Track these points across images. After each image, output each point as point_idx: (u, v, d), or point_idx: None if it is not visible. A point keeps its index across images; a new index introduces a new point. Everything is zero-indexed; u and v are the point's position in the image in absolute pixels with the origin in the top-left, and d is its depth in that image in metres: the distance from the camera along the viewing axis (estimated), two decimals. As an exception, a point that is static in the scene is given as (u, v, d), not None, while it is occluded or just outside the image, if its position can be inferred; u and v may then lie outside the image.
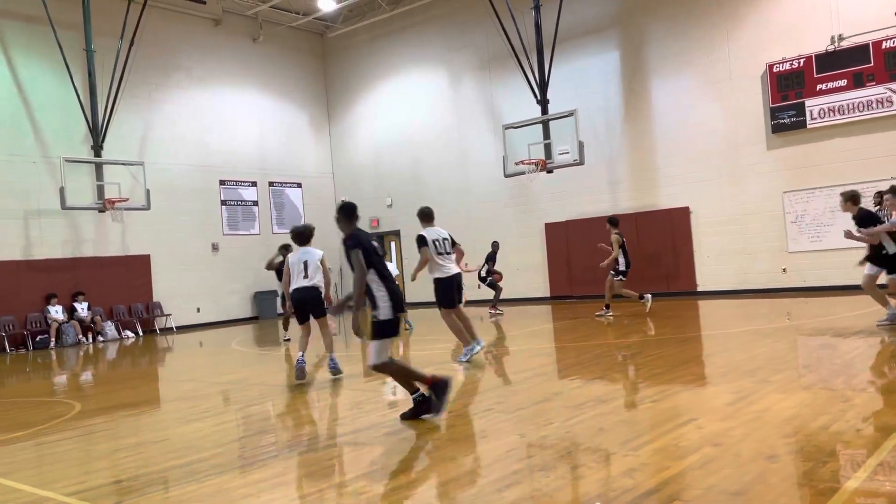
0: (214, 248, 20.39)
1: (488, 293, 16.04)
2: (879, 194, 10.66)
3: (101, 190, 17.20)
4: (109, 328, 17.53)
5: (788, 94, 15.14)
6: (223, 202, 20.76)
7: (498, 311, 15.43)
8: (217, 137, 20.62)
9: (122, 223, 17.78)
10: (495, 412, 5.76)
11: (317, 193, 23.03)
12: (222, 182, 20.71)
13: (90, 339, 17.02)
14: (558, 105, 16.70)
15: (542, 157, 16.56)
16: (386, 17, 21.58)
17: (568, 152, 16.19)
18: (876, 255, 8.67)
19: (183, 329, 18.92)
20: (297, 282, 8.26)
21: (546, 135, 16.64)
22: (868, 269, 8.79)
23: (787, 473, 3.71)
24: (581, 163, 15.99)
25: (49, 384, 10.68)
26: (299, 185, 22.68)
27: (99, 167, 17.31)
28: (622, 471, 3.91)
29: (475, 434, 5.16)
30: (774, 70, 15.29)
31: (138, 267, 18.54)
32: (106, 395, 8.85)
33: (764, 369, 6.59)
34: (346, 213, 6.06)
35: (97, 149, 17.44)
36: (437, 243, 8.51)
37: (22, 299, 16.39)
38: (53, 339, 16.44)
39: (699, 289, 16.50)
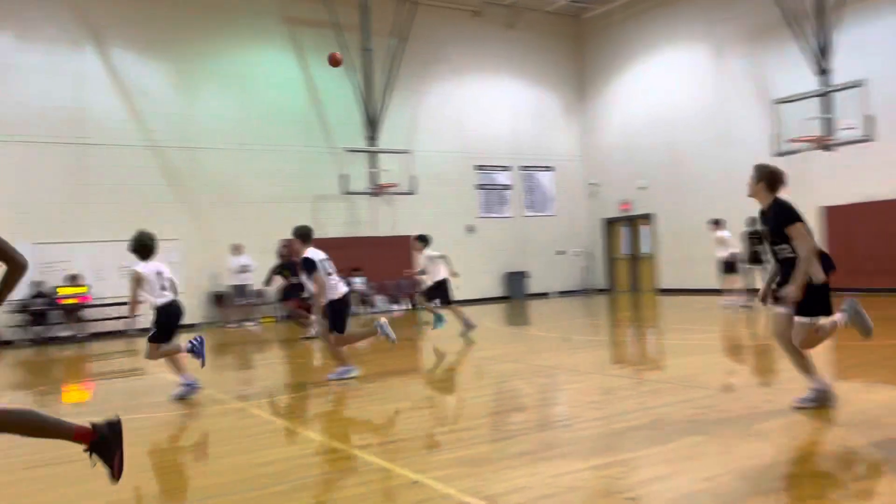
0: (470, 229, 21.50)
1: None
2: None
3: (373, 176, 19.06)
4: (381, 301, 19.40)
5: None
6: (479, 186, 21.78)
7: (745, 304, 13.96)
8: (473, 125, 21.64)
9: (391, 206, 19.54)
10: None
11: (568, 177, 23.19)
12: (478, 167, 21.72)
13: (364, 311, 19.00)
14: (841, 76, 14.94)
15: (821, 133, 14.98)
16: (643, -7, 20.92)
17: (853, 127, 14.45)
18: None
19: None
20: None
21: (826, 109, 15.01)
22: None
23: None
24: (871, 139, 14.19)
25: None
26: (549, 169, 22.99)
27: (373, 156, 19.17)
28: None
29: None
30: None
31: (404, 246, 20.22)
32: (379, 360, 9.88)
33: None
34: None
35: (372, 139, 19.31)
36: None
37: (310, 272, 18.78)
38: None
39: None
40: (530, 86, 22.85)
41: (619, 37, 22.27)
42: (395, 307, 19.67)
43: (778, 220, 5.10)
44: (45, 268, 15.46)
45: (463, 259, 21.04)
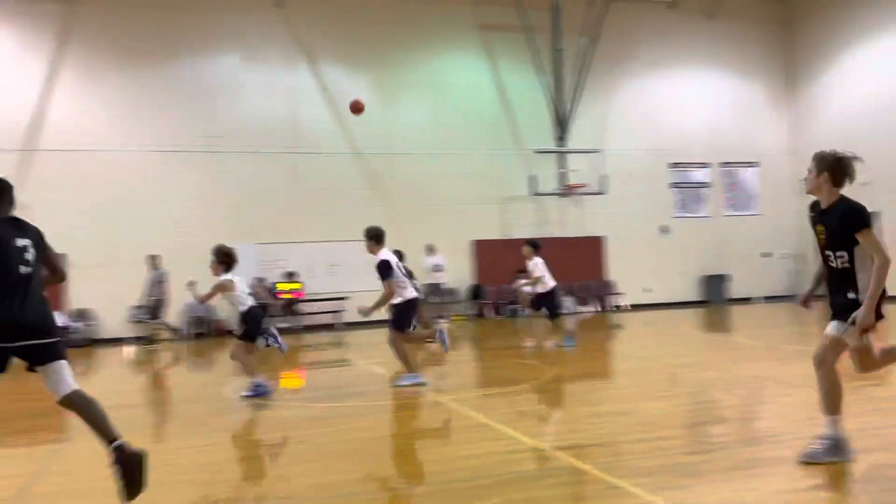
0: (664, 230, 20.68)
1: None
2: None
3: (562, 177, 18.98)
4: (568, 303, 19.26)
5: None
6: (673, 185, 20.89)
7: None
8: (667, 121, 20.79)
9: (580, 207, 19.34)
10: None
11: (774, 173, 21.52)
12: (673, 165, 20.84)
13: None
14: None
15: None
16: (865, -32, 18.88)
17: None
18: None
19: (635, 308, 19.73)
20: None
21: None
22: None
23: None
24: None
25: (522, 349, 12.30)
26: (753, 165, 21.48)
27: (562, 156, 19.10)
28: None
29: None
30: None
31: (594, 247, 19.95)
32: (572, 362, 9.84)
33: None
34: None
35: (561, 139, 19.25)
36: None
37: (499, 273, 19.09)
38: (522, 309, 18.79)
39: None
40: (731, 77, 21.52)
41: (835, 19, 20.28)
42: (584, 309, 19.44)
43: (846, 223, 4.25)
44: (265, 265, 17.17)
45: (656, 261, 20.40)
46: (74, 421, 7.10)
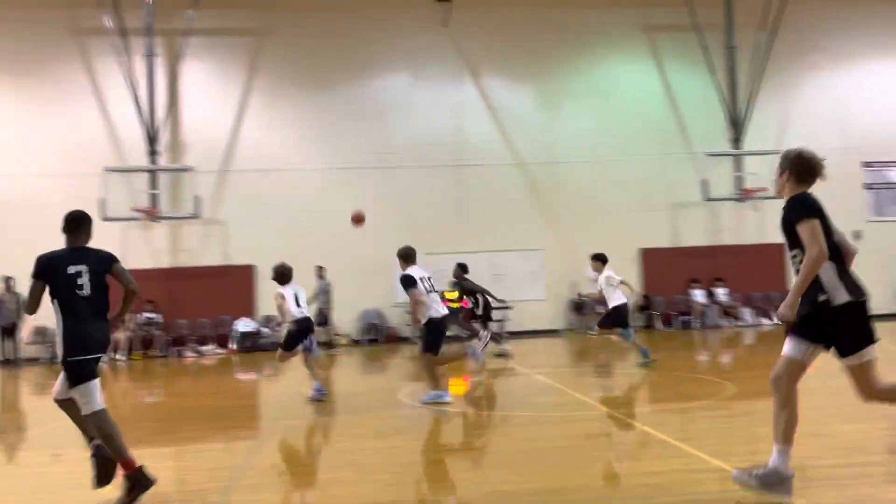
0: (856, 235, 18.83)
1: None
2: None
3: (738, 181, 17.89)
4: (747, 314, 18.10)
5: None
6: (867, 186, 19.01)
7: None
8: (859, 116, 18.96)
9: (759, 211, 18.12)
10: None
11: None
12: (866, 164, 18.98)
13: (730, 323, 17.91)
14: None
15: None
16: None
17: None
18: None
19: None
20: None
21: None
22: None
23: None
24: None
25: (698, 362, 11.72)
26: (966, 161, 19.05)
27: (737, 159, 18.03)
28: None
29: None
30: None
31: (774, 255, 18.56)
32: (752, 379, 9.22)
33: None
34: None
35: (736, 141, 18.18)
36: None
37: (669, 282, 18.35)
38: (696, 320, 17.92)
39: None
40: (939, 64, 19.25)
41: None
42: (765, 321, 18.16)
43: (787, 216, 3.96)
44: (434, 275, 17.67)
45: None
46: (264, 421, 7.71)
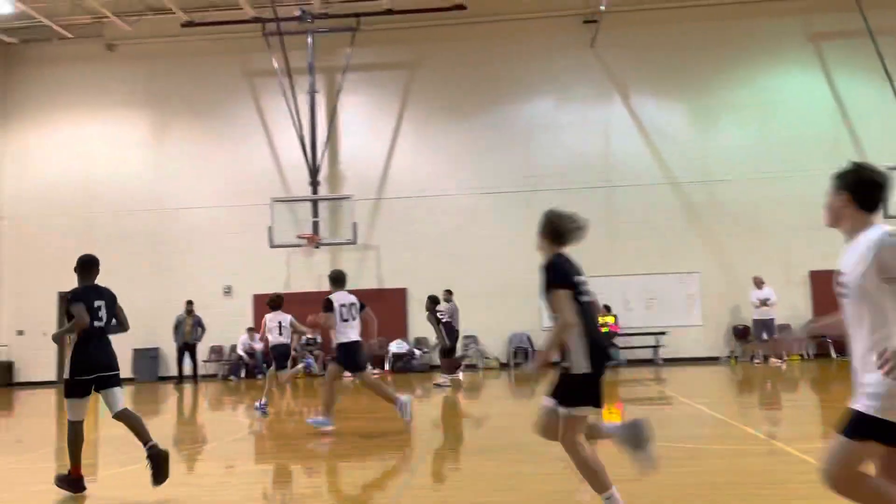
0: None
1: None
2: None
3: (924, 195, 16.17)
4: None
5: None
6: None
7: None
8: None
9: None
10: None
11: None
12: None
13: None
14: None
15: None
16: None
17: None
18: None
19: None
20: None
21: None
22: None
23: None
24: None
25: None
26: None
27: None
28: None
29: None
30: None
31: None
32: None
33: None
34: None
35: (920, 151, 16.46)
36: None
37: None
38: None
39: None
40: None
41: None
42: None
43: (541, 283, 4.14)
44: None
45: None
46: (418, 442, 7.88)
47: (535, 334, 17.58)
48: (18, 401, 14.09)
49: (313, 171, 17.68)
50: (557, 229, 4.39)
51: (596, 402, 4.17)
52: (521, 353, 17.47)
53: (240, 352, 17.51)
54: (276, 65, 17.60)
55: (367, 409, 11.33)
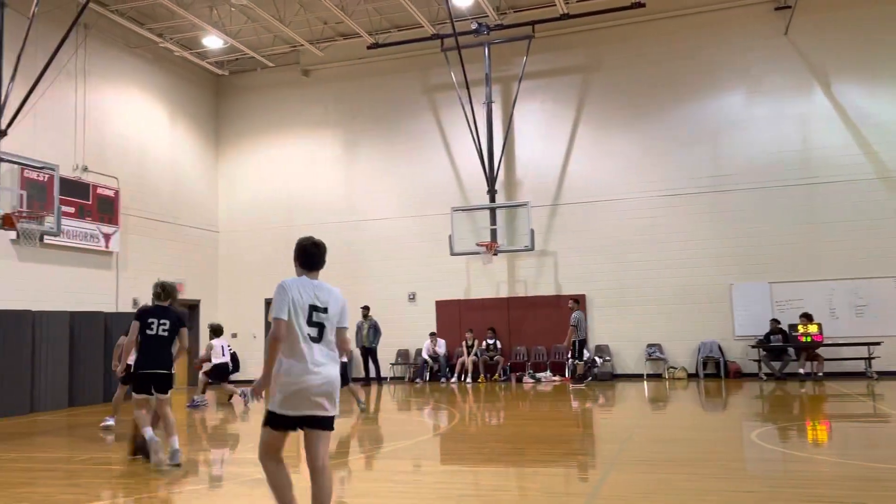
0: None
1: None
2: None
3: None
4: None
5: None
6: None
7: None
8: None
9: None
10: None
11: None
12: None
13: None
14: None
15: None
16: None
17: None
18: None
19: None
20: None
21: None
22: None
23: None
24: None
25: None
26: None
27: None
28: None
29: None
30: None
31: None
32: None
33: None
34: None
35: None
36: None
37: None
38: None
39: None
40: None
41: None
42: None
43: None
44: (779, 306, 16.19)
45: None
46: (604, 451, 7.73)
47: (727, 343, 16.57)
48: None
49: (491, 179, 17.98)
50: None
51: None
52: (711, 362, 16.54)
53: (424, 356, 18.18)
54: (453, 78, 18.14)
55: (553, 415, 11.30)
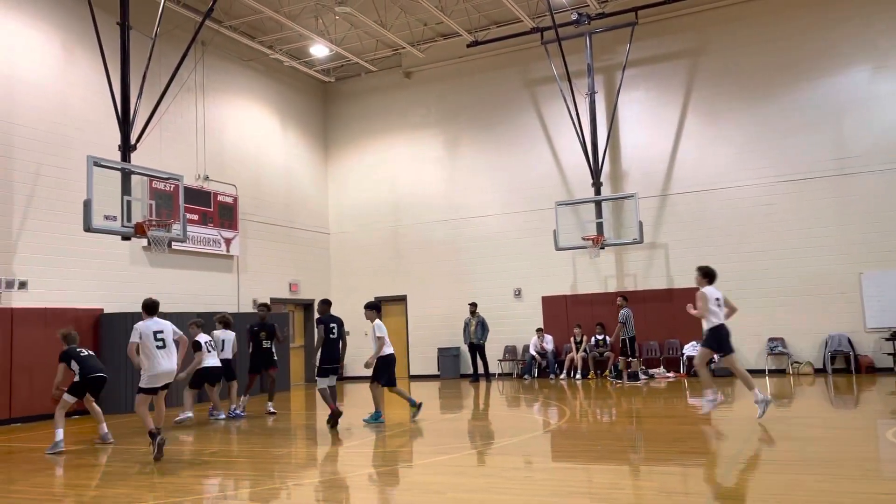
0: None
1: None
2: None
3: None
4: None
5: None
6: None
7: None
8: None
9: None
10: None
11: None
12: None
13: None
14: None
15: None
16: None
17: None
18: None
19: None
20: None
21: None
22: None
23: None
24: None
25: None
26: None
27: None
28: None
29: None
30: None
31: None
32: None
33: None
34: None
35: None
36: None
37: None
38: None
39: None
40: None
41: None
42: None
43: None
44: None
45: None
46: (720, 449, 7.41)
47: (857, 336, 15.51)
48: (348, 394, 16.14)
49: (595, 172, 17.63)
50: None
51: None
52: (840, 356, 15.54)
53: (531, 352, 18.08)
54: (554, 71, 17.92)
55: (667, 412, 10.99)
